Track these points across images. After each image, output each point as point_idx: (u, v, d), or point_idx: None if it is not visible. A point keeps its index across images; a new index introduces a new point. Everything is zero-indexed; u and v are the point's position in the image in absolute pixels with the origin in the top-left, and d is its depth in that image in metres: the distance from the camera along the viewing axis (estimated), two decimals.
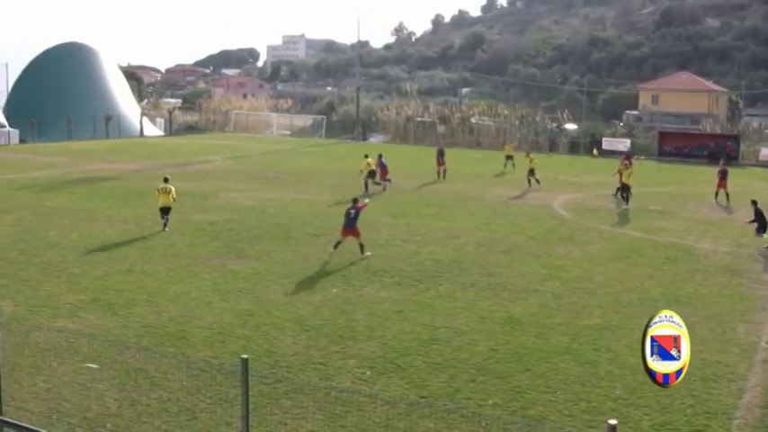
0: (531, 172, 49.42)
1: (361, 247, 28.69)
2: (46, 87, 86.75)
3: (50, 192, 44.01)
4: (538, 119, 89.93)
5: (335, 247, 28.62)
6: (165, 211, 33.53)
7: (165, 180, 34.52)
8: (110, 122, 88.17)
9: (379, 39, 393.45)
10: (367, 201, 31.44)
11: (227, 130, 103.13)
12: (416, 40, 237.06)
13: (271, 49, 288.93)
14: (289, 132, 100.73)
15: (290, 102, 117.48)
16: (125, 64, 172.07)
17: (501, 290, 24.49)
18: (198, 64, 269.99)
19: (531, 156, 51.76)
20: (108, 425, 14.36)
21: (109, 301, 22.26)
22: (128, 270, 26.11)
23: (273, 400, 15.46)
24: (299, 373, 17.05)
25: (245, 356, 10.51)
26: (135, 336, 19.35)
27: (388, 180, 47.16)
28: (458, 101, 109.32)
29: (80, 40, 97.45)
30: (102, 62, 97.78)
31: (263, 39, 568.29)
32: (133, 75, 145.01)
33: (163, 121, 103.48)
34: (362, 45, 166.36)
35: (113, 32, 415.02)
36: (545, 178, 50.75)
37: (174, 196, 33.93)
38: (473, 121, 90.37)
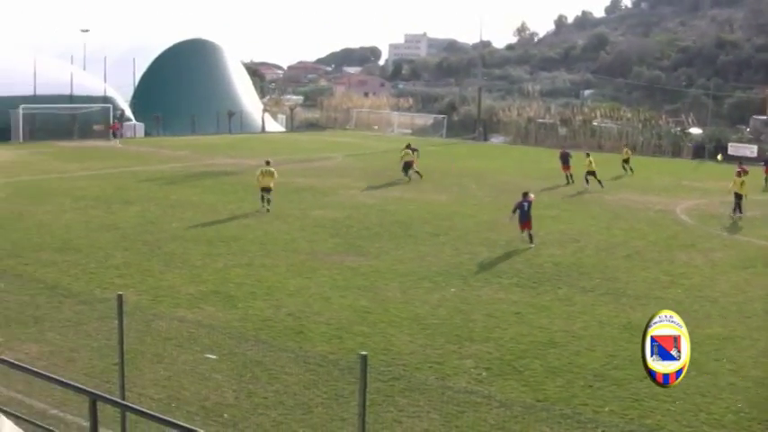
0: (592, 173, 48.57)
1: (531, 237, 30.73)
2: (171, 83, 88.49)
3: (174, 185, 44.93)
4: (661, 122, 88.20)
5: (531, 240, 30.61)
6: (266, 190, 36.67)
7: (267, 163, 38.18)
8: (232, 118, 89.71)
9: (502, 39, 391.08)
10: (532, 196, 32.00)
11: (347, 127, 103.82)
12: (539, 40, 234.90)
13: (392, 47, 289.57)
14: (409, 131, 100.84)
15: (410, 101, 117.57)
16: (248, 61, 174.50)
17: (621, 295, 24.08)
18: (320, 61, 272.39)
19: (591, 158, 50.36)
20: (225, 414, 14.56)
21: (228, 294, 22.59)
22: (247, 264, 26.47)
23: (389, 397, 15.46)
24: (416, 372, 17.01)
25: (363, 353, 10.49)
26: (254, 329, 19.58)
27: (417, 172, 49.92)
28: (580, 103, 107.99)
29: (205, 37, 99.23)
30: (225, 58, 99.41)
31: (385, 37, 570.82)
32: (256, 71, 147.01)
33: (284, 117, 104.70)
34: (484, 45, 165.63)
35: (237, 29, 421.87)
36: (668, 184, 49.78)
37: (276, 178, 37.28)
38: (595, 123, 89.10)
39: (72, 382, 11.24)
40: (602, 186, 48.20)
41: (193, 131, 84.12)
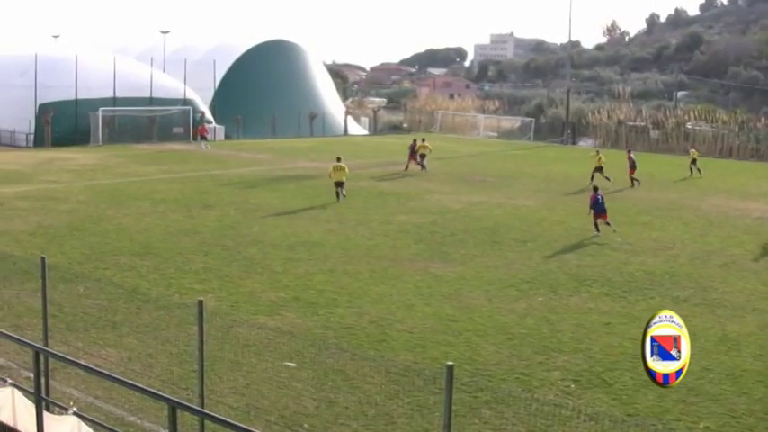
0: (599, 169, 50.49)
1: (609, 224, 34.01)
2: (251, 85, 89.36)
3: (254, 188, 45.33)
4: (759, 125, 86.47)
5: (615, 231, 33.83)
6: (339, 185, 40.88)
7: (339, 159, 42.30)
8: (314, 121, 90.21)
9: (591, 39, 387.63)
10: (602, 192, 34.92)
11: (432, 130, 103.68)
12: (630, 40, 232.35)
13: (478, 48, 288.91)
14: (495, 134, 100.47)
15: (497, 103, 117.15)
16: (330, 62, 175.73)
17: (716, 306, 23.63)
18: (403, 62, 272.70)
19: (601, 155, 52.17)
20: (305, 425, 14.60)
21: (309, 300, 22.69)
22: (329, 270, 26.56)
23: (474, 409, 15.37)
24: (501, 383, 16.90)
25: (449, 363, 10.43)
26: (335, 336, 19.63)
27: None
28: (672, 105, 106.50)
29: (287, 38, 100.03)
30: (308, 60, 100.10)
31: (470, 38, 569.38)
32: (338, 73, 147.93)
33: (367, 120, 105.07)
34: (573, 45, 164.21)
35: (319, 30, 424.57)
36: (766, 190, 48.86)
37: (348, 173, 41.55)
38: (689, 126, 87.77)
39: (151, 389, 11.38)
40: (609, 181, 49.35)
41: (274, 134, 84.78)
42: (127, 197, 40.80)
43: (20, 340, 13.76)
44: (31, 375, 12.32)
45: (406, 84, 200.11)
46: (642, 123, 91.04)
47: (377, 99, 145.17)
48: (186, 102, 78.55)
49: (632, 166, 51.15)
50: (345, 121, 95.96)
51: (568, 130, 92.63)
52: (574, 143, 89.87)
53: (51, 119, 68.76)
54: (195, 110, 78.82)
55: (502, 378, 17.25)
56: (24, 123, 69.89)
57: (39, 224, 33.29)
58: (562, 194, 46.23)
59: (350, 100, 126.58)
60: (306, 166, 57.15)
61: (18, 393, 11.85)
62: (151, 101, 75.67)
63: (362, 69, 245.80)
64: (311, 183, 47.78)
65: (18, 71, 72.57)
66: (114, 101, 72.66)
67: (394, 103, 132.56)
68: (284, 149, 69.39)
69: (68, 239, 30.37)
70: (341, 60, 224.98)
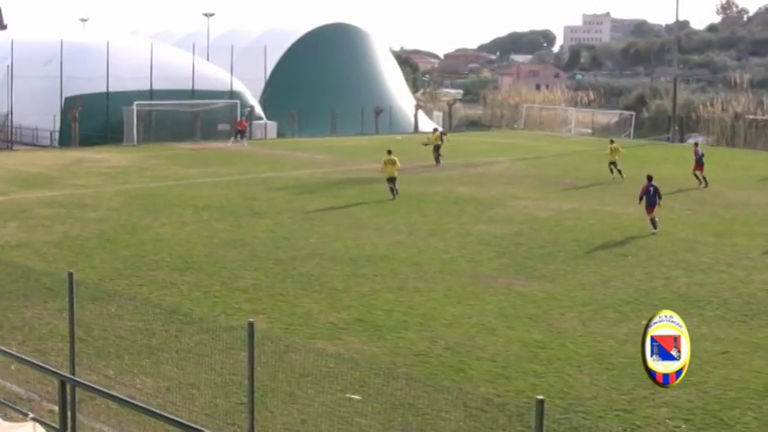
0: (613, 163, 53.40)
1: (654, 223, 36.29)
2: (308, 75, 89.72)
3: (312, 194, 45.51)
4: None
5: (654, 226, 36.10)
6: (391, 180, 43.83)
7: (389, 152, 45.15)
8: (380, 116, 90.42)
9: (702, 18, 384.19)
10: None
11: (516, 126, 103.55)
12: (749, 19, 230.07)
13: (569, 30, 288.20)
14: (589, 131, 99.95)
15: (591, 94, 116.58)
16: (398, 49, 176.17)
17: None
18: (482, 48, 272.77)
19: (616, 145, 54.57)
20: None
21: (375, 323, 22.66)
22: (398, 287, 26.55)
23: None
24: (599, 421, 16.72)
25: (539, 397, 10.32)
26: (404, 365, 19.57)
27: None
28: None
29: (348, 21, 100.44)
30: (373, 46, 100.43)
31: (559, 19, 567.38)
32: (408, 61, 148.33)
33: (441, 114, 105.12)
34: (681, 26, 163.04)
35: (386, 12, 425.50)
36: None
37: (399, 166, 44.47)
38: None
39: (193, 424, 11.39)
40: (622, 177, 51.86)
41: (334, 131, 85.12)
42: (165, 204, 41.17)
43: (43, 367, 13.88)
44: (56, 408, 12.41)
45: (486, 73, 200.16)
46: (764, 117, 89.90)
47: (452, 91, 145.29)
48: (233, 95, 79.15)
49: (699, 162, 50.72)
50: (416, 117, 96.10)
51: (675, 125, 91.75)
52: (682, 140, 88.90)
53: (79, 114, 69.48)
54: (243, 104, 79.34)
55: (599, 415, 17.07)
56: (48, 119, 70.35)
57: (65, 234, 33.70)
58: (669, 200, 45.80)
59: (421, 92, 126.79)
60: (370, 168, 57.18)
61: (41, 429, 11.90)
62: (193, 94, 76.39)
63: (435, 57, 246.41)
64: (376, 188, 47.78)
65: (41, 60, 73.27)
66: (151, 94, 73.43)
67: (471, 95, 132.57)
68: (346, 149, 69.60)
69: (98, 252, 30.69)
70: (410, 46, 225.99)
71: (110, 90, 71.62)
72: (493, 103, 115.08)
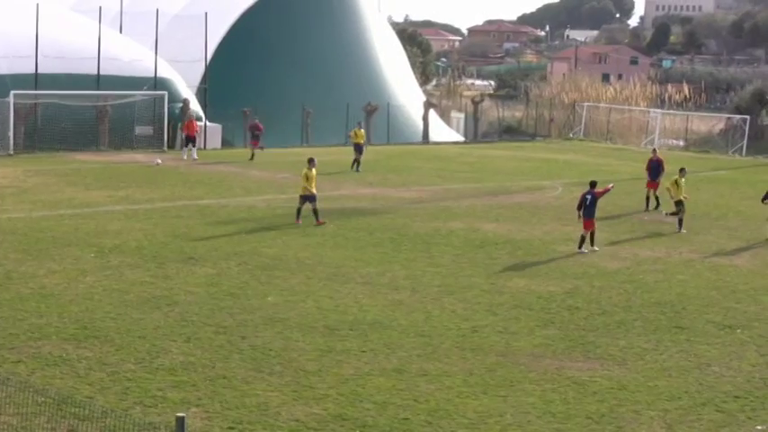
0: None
1: (591, 239, 43.16)
2: (269, 56, 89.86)
3: (270, 230, 45.55)
4: None
5: (592, 243, 42.82)
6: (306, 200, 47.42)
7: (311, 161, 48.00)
8: (373, 117, 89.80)
9: None
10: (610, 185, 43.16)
11: (573, 135, 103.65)
12: None
13: None
14: (682, 143, 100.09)
15: (685, 89, 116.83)
16: (402, 20, 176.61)
17: None
18: (524, 21, 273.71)
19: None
20: None
21: (363, 422, 22.64)
22: (395, 369, 26.53)
23: None
24: None
25: None
26: None
27: None
28: None
29: None
30: (364, 16, 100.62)
31: None
32: (415, 38, 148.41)
33: (462, 117, 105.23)
34: None
35: None
36: None
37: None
38: None
39: None
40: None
41: (306, 140, 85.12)
42: (55, 243, 41.11)
43: None
44: None
45: (530, 56, 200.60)
46: None
47: (479, 82, 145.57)
48: (159, 83, 79.08)
49: None
50: (426, 120, 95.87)
51: None
52: None
53: None
54: (173, 97, 79.12)
55: None
56: None
57: None
58: None
59: (434, 83, 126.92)
60: (357, 193, 57.27)
61: None
62: (98, 81, 76.28)
63: (455, 32, 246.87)
64: (367, 222, 47.87)
65: None
66: (36, 80, 73.23)
67: (509, 88, 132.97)
68: (323, 165, 69.52)
69: None
70: (419, 17, 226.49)
71: None
72: (539, 100, 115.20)
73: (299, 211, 47.30)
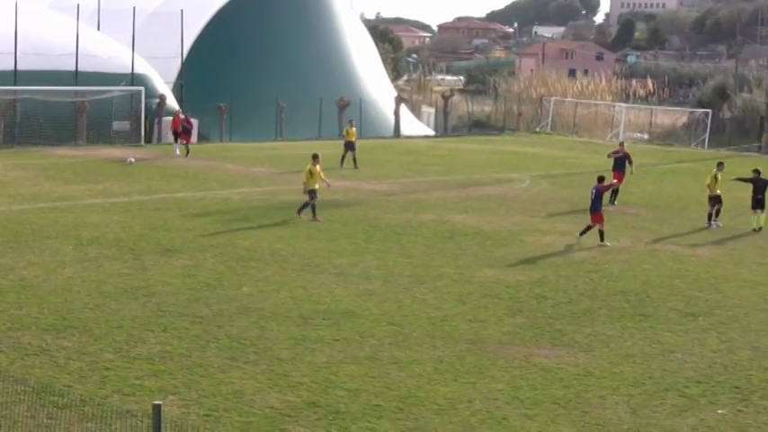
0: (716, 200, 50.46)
1: (601, 234, 42.86)
2: (244, 52, 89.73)
3: (245, 222, 45.58)
4: None
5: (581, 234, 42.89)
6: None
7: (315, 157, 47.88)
8: (345, 112, 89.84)
9: None
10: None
11: (540, 129, 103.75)
12: None
13: None
14: (646, 136, 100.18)
15: (649, 84, 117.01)
16: (373, 17, 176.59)
17: None
18: (492, 17, 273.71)
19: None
20: None
21: (335, 408, 22.67)
22: (368, 357, 26.60)
23: None
24: None
25: None
26: None
27: None
28: None
29: None
30: (335, 14, 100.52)
31: None
32: (387, 34, 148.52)
33: (432, 111, 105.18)
34: None
35: None
36: None
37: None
38: None
39: None
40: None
41: (281, 134, 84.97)
42: (35, 235, 41.07)
43: None
44: None
45: (498, 52, 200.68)
46: None
47: (449, 77, 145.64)
48: (136, 79, 78.86)
49: None
50: (397, 114, 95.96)
51: None
52: None
53: None
54: (150, 92, 78.96)
55: None
56: None
57: None
58: (759, 237, 46.05)
59: (405, 79, 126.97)
60: (334, 186, 57.36)
61: None
62: (76, 77, 76.10)
63: (426, 28, 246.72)
64: (338, 214, 47.94)
65: None
66: (15, 76, 73.15)
67: (478, 83, 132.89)
68: (296, 160, 69.35)
69: None
70: (391, 14, 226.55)
71: None
72: (507, 95, 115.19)
73: (313, 207, 46.67)
